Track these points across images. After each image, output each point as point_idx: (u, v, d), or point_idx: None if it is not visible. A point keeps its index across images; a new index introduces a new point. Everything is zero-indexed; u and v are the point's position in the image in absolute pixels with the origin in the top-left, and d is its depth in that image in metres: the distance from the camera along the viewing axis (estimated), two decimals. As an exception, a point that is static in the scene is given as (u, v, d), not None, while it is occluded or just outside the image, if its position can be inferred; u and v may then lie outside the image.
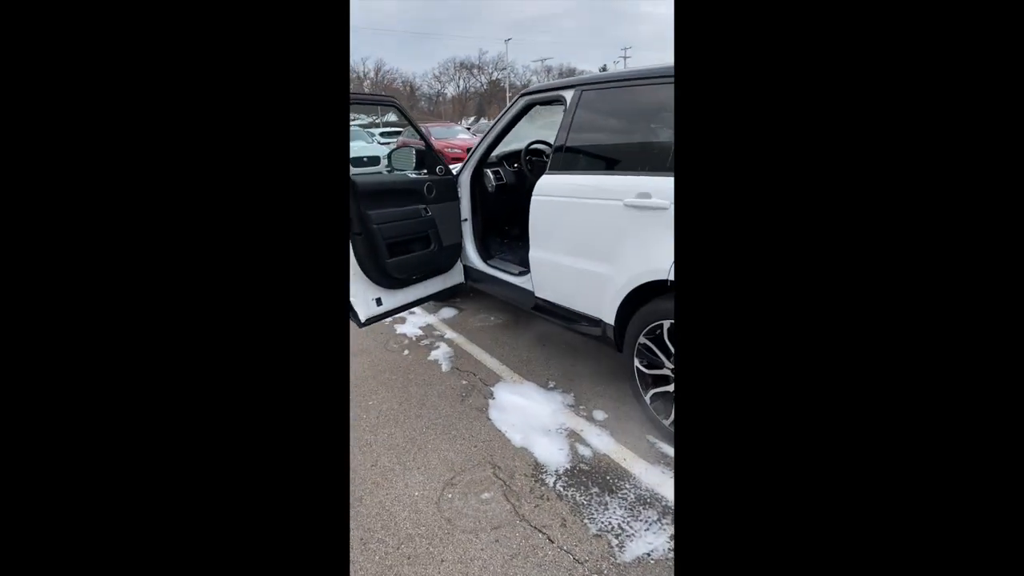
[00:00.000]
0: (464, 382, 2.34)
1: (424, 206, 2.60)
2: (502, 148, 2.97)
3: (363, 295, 2.32)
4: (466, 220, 2.92)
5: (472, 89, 55.68)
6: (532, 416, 2.04)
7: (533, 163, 3.12)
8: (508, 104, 2.56)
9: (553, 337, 2.74)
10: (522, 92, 2.49)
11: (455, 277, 3.01)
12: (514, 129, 2.62)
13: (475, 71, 55.74)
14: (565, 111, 2.14)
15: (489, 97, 54.04)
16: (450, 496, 1.63)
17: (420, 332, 2.93)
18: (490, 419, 2.04)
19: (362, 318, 2.27)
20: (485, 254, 2.93)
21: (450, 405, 2.16)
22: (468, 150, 10.03)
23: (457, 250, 2.90)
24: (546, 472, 1.72)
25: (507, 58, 52.90)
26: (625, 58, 51.39)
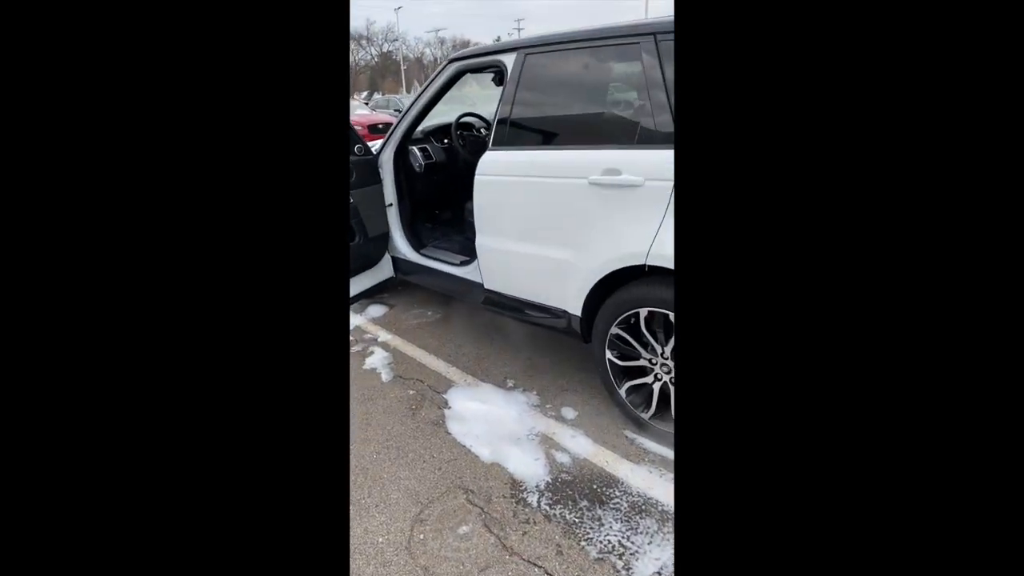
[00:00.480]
0: (411, 392, 2.07)
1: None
2: (427, 123, 2.65)
3: None
4: (391, 205, 2.58)
5: (363, 62, 52.47)
6: (496, 423, 1.83)
7: (465, 138, 2.83)
8: (433, 73, 2.25)
9: (502, 329, 2.53)
10: (451, 58, 2.19)
11: (384, 271, 2.68)
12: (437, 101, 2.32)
13: (364, 43, 52.48)
14: (506, 78, 1.89)
15: (381, 70, 51.32)
16: (421, 537, 1.38)
17: (349, 337, 2.58)
18: (450, 433, 1.80)
19: None
20: (416, 243, 2.62)
21: (400, 422, 1.88)
22: (372, 127, 9.42)
23: (385, 240, 2.57)
24: (526, 489, 1.53)
25: (398, 29, 50.36)
26: (519, 30, 51.30)
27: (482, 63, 2.07)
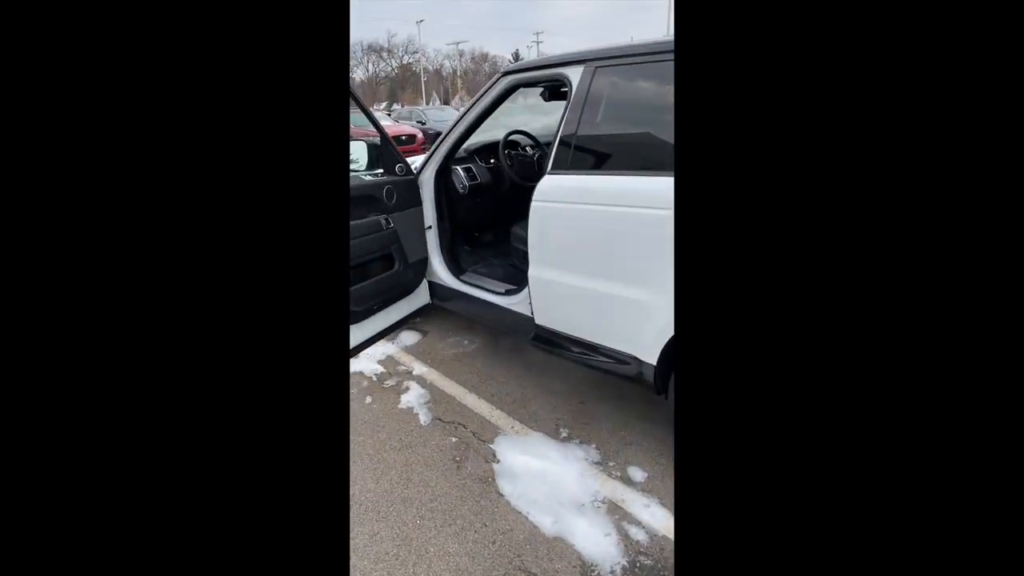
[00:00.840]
0: (454, 439, 1.85)
1: (385, 216, 2.04)
2: (472, 140, 2.46)
3: None
4: (430, 228, 2.39)
5: (383, 73, 53.17)
6: (555, 484, 1.61)
7: (513, 158, 2.64)
8: (486, 86, 2.07)
9: (547, 365, 2.31)
10: (504, 71, 2.01)
11: (421, 298, 2.48)
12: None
13: (384, 54, 53.21)
14: (572, 94, 1.70)
15: (401, 82, 51.90)
16: (480, 635, 1.16)
17: (381, 369, 2.38)
18: (502, 495, 1.58)
19: None
20: (455, 268, 2.43)
21: (444, 477, 1.66)
22: (396, 139, 9.35)
23: (424, 266, 2.37)
24: (599, 575, 1.30)
25: (419, 41, 50.93)
26: (538, 43, 51.66)
27: (540, 77, 1.88)
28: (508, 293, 2.11)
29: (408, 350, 2.53)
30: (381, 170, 2.17)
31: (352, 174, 2.11)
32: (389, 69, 53.39)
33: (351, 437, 1.87)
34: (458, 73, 55.19)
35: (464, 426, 1.92)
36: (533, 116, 3.43)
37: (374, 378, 2.29)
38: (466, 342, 2.58)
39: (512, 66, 1.98)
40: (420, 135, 12.53)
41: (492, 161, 2.69)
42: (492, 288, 2.20)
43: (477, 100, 2.08)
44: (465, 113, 2.13)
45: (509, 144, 2.71)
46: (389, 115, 13.86)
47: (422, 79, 44.15)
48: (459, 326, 2.73)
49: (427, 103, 34.06)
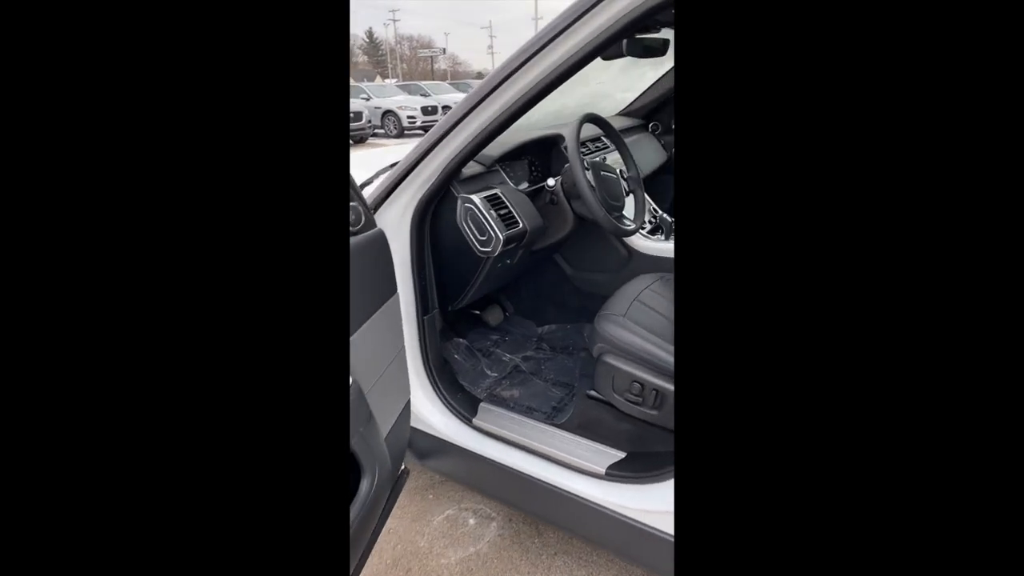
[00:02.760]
0: None
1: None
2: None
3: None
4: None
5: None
6: None
7: (597, 176, 1.31)
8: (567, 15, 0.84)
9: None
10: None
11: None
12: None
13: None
14: None
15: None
16: None
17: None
18: None
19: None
20: (464, 403, 1.23)
21: None
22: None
23: (406, 428, 1.16)
24: None
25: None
26: (394, 21, 50.08)
27: None
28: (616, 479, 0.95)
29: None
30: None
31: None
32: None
33: None
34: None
35: None
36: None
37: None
38: (474, 522, 1.37)
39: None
40: (366, 112, 10.96)
41: (534, 175, 1.45)
42: (587, 453, 1.04)
43: (542, 49, 0.85)
44: (507, 77, 0.89)
45: (583, 143, 1.50)
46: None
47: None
48: (453, 494, 1.51)
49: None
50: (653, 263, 1.54)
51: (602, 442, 1.16)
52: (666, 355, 1.10)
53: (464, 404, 1.25)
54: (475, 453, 1.20)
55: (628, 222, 1.30)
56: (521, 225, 1.21)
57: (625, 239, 1.55)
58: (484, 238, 1.15)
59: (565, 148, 1.27)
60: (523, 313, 1.76)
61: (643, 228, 1.49)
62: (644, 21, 0.84)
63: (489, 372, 1.51)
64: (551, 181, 1.32)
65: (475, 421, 1.20)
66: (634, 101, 2.21)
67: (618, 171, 1.38)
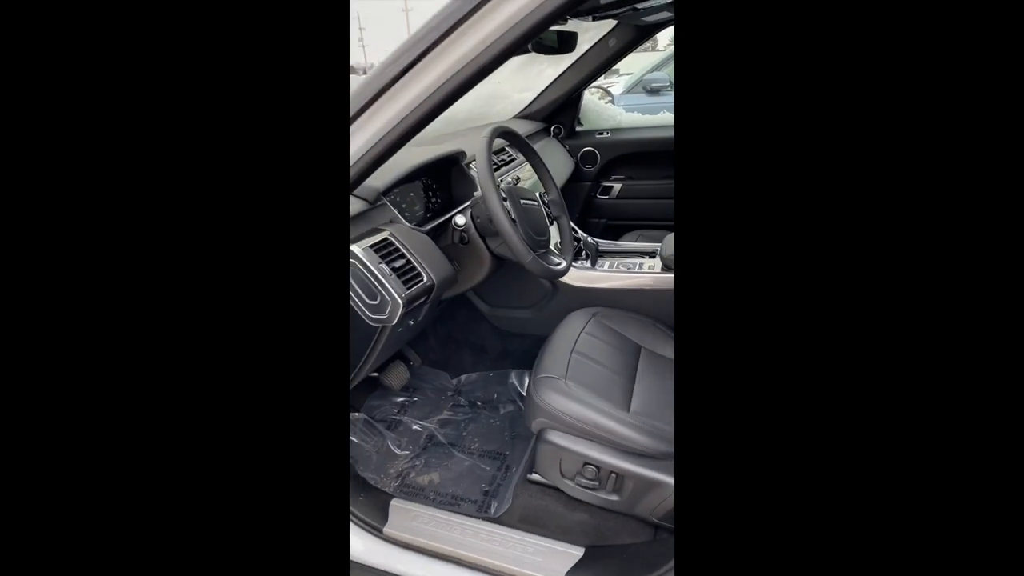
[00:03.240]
0: None
1: None
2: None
3: None
4: None
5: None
6: None
7: (517, 206, 1.02)
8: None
9: None
10: None
11: None
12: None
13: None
14: None
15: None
16: None
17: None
18: None
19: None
20: (364, 501, 0.92)
21: None
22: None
23: None
24: None
25: None
26: (361, 29, 47.41)
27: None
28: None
29: None
30: None
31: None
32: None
33: None
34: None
35: None
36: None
37: None
38: None
39: None
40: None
41: (433, 203, 1.14)
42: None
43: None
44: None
45: (496, 161, 1.22)
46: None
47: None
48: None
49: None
50: (580, 295, 1.33)
51: (553, 537, 0.92)
52: (620, 427, 0.88)
53: (369, 509, 0.95)
54: (389, 575, 0.90)
55: (556, 260, 1.06)
56: (425, 279, 0.90)
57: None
58: (376, 303, 0.83)
59: (474, 172, 1.00)
60: (433, 363, 1.46)
61: (575, 264, 1.27)
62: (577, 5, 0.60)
63: (398, 450, 1.20)
64: (460, 219, 1.03)
65: (386, 530, 0.90)
66: (533, 102, 1.99)
67: (538, 196, 1.13)
